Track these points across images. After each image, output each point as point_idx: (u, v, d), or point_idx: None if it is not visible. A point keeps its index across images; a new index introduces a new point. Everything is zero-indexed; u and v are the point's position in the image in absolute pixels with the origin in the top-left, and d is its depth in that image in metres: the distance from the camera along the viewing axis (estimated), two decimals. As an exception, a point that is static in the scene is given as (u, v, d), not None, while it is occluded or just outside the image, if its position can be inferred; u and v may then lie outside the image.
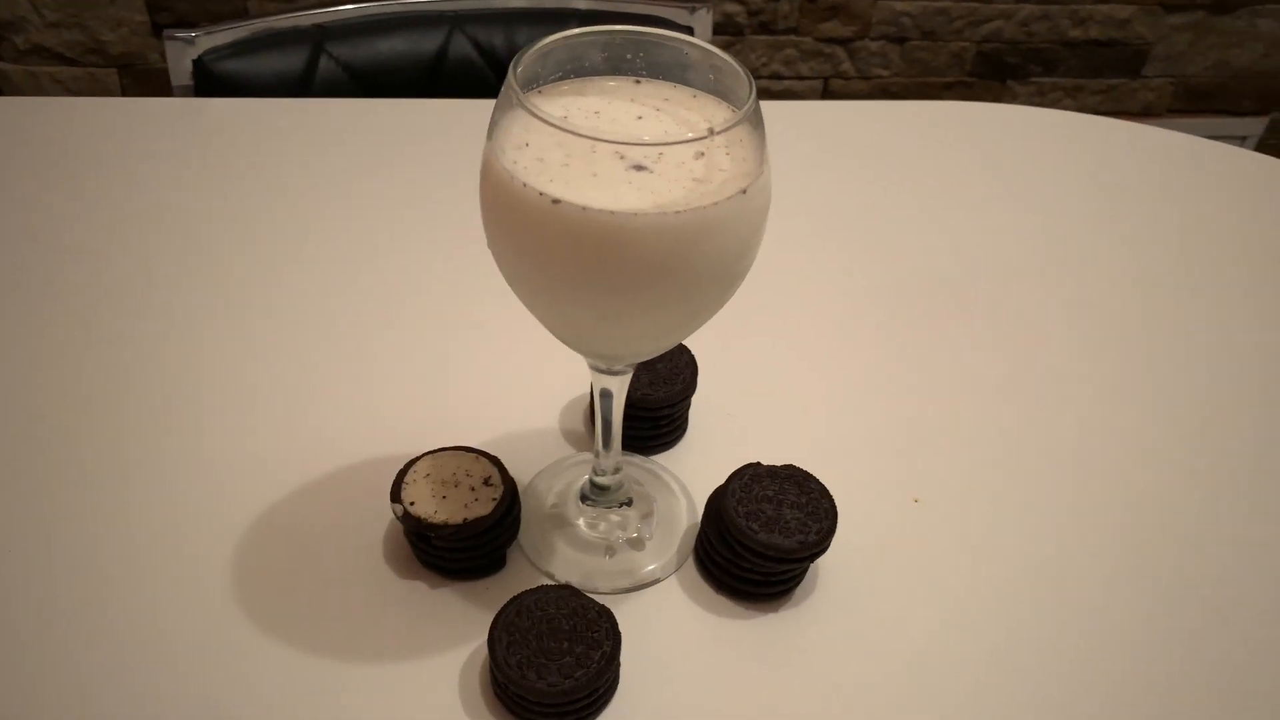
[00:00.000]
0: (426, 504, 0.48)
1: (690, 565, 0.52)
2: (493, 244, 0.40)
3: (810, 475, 0.50)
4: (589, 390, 0.60)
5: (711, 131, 0.35)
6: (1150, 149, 0.90)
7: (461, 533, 0.47)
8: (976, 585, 0.52)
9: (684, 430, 0.59)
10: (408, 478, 0.49)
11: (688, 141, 0.36)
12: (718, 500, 0.50)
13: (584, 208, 0.35)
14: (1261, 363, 0.67)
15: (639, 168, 0.36)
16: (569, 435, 0.59)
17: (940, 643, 0.49)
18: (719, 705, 0.46)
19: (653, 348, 0.44)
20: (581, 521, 0.53)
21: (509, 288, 0.41)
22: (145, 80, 1.75)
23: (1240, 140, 2.08)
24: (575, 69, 0.41)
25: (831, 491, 0.50)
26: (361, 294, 0.68)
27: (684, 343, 0.57)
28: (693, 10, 1.09)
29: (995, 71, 1.92)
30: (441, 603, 0.49)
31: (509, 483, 0.50)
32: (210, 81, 1.01)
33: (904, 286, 0.72)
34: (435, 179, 0.80)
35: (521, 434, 0.58)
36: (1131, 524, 0.55)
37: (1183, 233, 0.80)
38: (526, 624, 0.44)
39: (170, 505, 0.53)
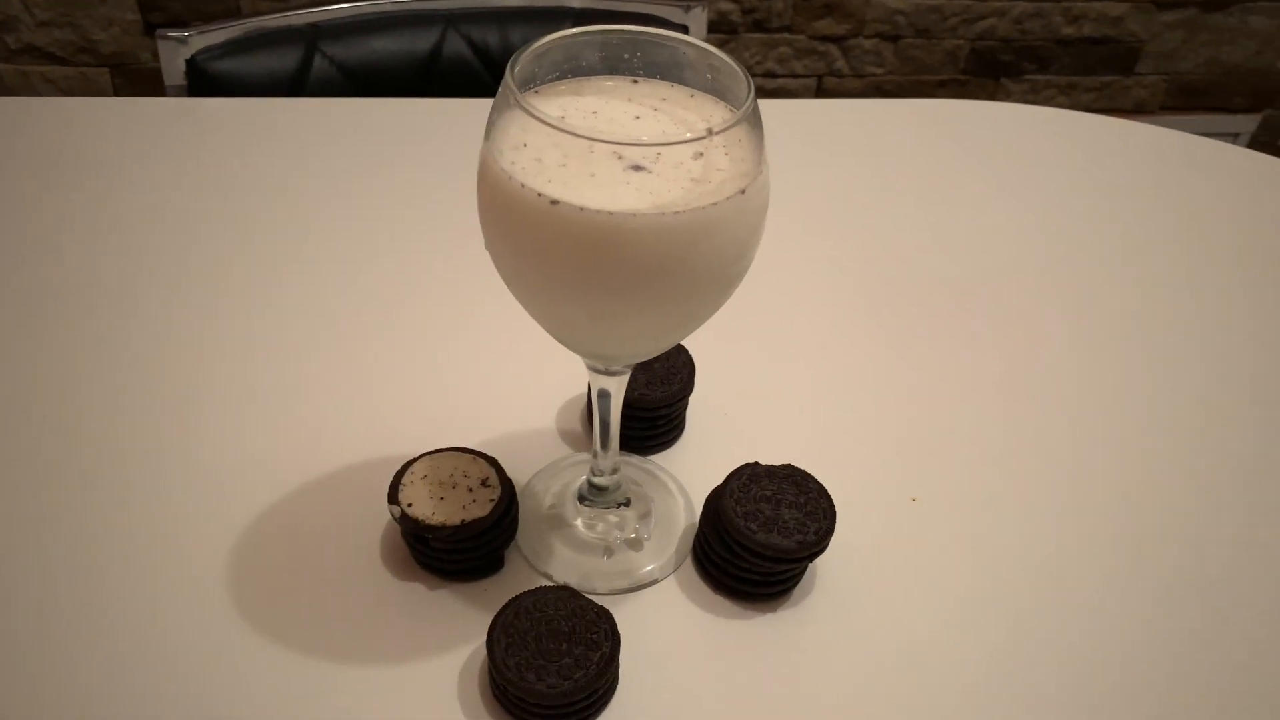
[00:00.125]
0: (424, 505, 0.48)
1: (688, 565, 0.52)
2: (490, 244, 0.40)
3: (808, 475, 0.50)
4: (586, 390, 0.60)
5: (710, 132, 0.35)
6: (1144, 146, 0.90)
7: (459, 534, 0.47)
8: (975, 584, 0.52)
9: (681, 430, 0.59)
10: (405, 479, 0.49)
11: (686, 142, 0.36)
12: (716, 500, 0.50)
13: (582, 208, 0.35)
14: (1259, 360, 0.67)
15: (637, 168, 0.36)
16: (566, 435, 0.58)
17: (939, 642, 0.49)
18: (718, 705, 0.46)
19: (651, 348, 0.44)
20: (579, 522, 0.53)
21: (505, 288, 0.41)
22: (137, 80, 1.75)
23: (1233, 137, 2.08)
24: (572, 69, 0.41)
25: (828, 491, 0.50)
26: (357, 295, 0.68)
27: (681, 342, 0.57)
28: (688, 9, 1.09)
29: (989, 69, 1.92)
30: (439, 604, 0.49)
31: (507, 483, 0.50)
32: (203, 81, 1.00)
33: (900, 285, 0.72)
34: (432, 179, 0.79)
35: (519, 434, 0.58)
36: (1129, 521, 0.55)
37: (1178, 230, 0.80)
38: (525, 625, 0.44)
39: (164, 508, 0.53)
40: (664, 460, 0.57)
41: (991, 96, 1.96)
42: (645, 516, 0.54)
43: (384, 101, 0.90)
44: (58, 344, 0.63)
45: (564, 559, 0.52)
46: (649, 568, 0.51)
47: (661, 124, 0.39)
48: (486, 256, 0.40)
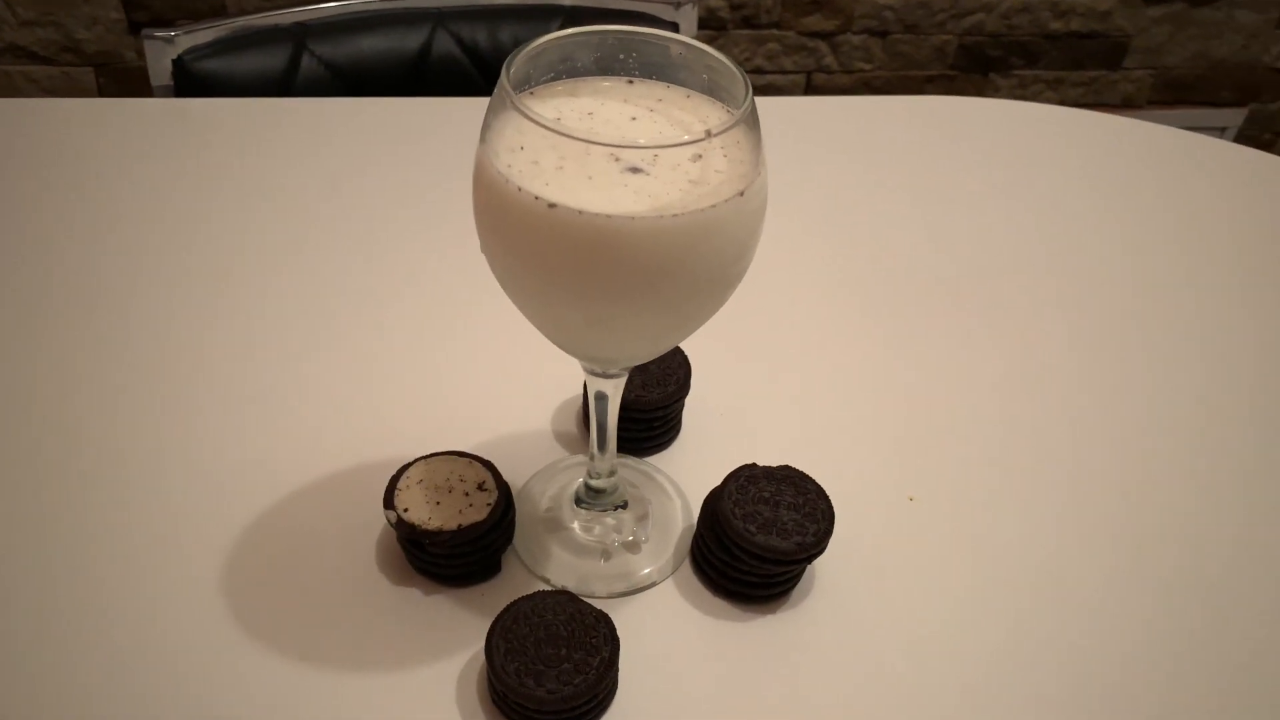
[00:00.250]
0: (420, 510, 0.47)
1: (686, 567, 0.51)
2: (486, 247, 0.40)
3: (807, 476, 0.50)
4: (582, 391, 0.59)
5: (709, 133, 0.35)
6: (1138, 143, 0.90)
7: (456, 539, 0.47)
8: (974, 584, 0.51)
9: (678, 431, 0.59)
10: (400, 484, 0.49)
11: (684, 144, 0.36)
12: (714, 502, 0.49)
13: (580, 211, 0.34)
14: (1259, 358, 0.67)
15: (634, 170, 0.35)
16: (562, 438, 0.58)
17: (938, 642, 0.49)
18: (718, 708, 0.46)
19: (649, 351, 0.44)
20: (576, 525, 0.53)
21: (498, 288, 0.41)
22: (122, 79, 1.73)
23: (1220, 131, 2.09)
24: (568, 69, 0.40)
25: (826, 491, 0.49)
26: (350, 296, 0.67)
27: (677, 343, 0.57)
28: (678, 5, 1.08)
29: (977, 64, 1.92)
30: (436, 609, 0.49)
31: (503, 487, 0.49)
32: (190, 81, 1.00)
33: (895, 283, 0.72)
34: (424, 179, 0.79)
35: (514, 437, 0.58)
36: (1129, 521, 0.55)
37: (1175, 228, 0.80)
38: (524, 631, 0.43)
39: (157, 515, 0.53)
40: (660, 462, 0.57)
41: (980, 92, 1.96)
42: (643, 519, 0.53)
43: (375, 101, 0.89)
44: (51, 346, 0.62)
45: (561, 562, 0.51)
46: (647, 570, 0.51)
47: (658, 125, 0.39)
48: (480, 257, 0.40)
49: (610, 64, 0.41)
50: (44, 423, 0.57)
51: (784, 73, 1.88)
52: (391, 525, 0.48)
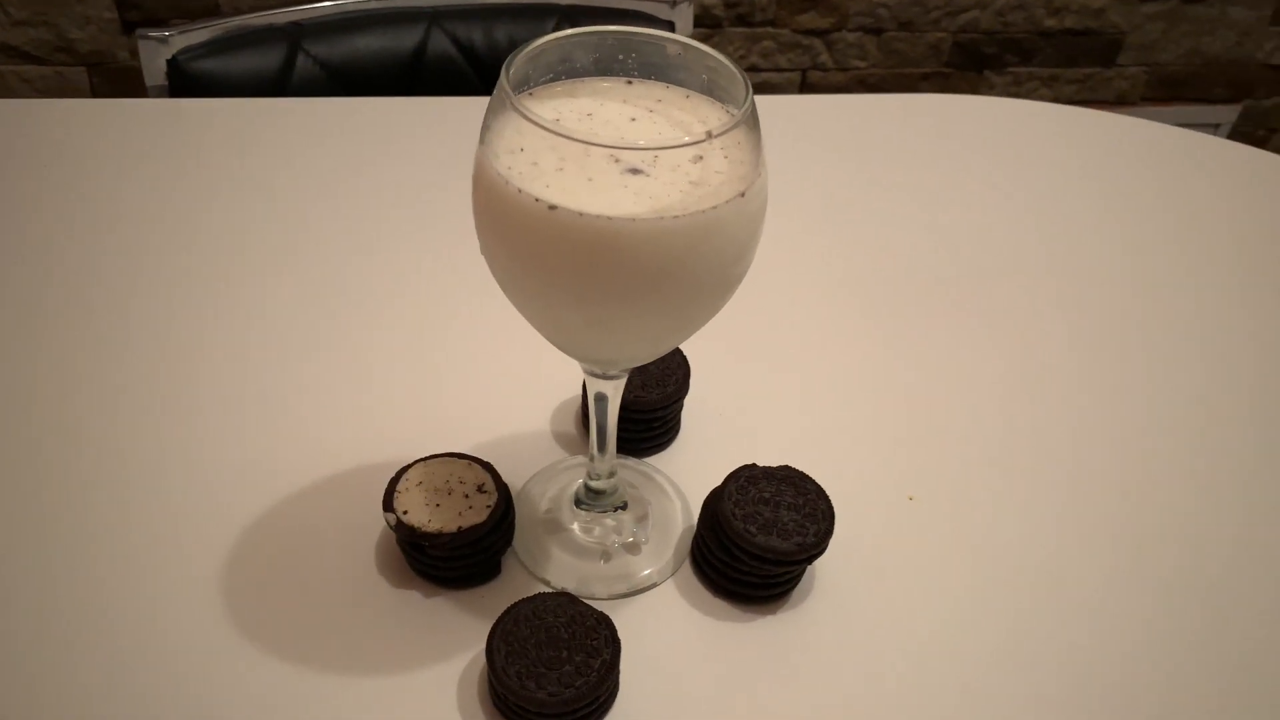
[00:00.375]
0: (419, 513, 0.47)
1: (687, 568, 0.51)
2: (485, 249, 0.39)
3: (806, 476, 0.50)
4: (581, 392, 0.59)
5: (710, 135, 0.35)
6: (1136, 141, 0.90)
7: (456, 541, 0.47)
8: (974, 584, 0.51)
9: (677, 432, 0.59)
10: (399, 486, 0.49)
11: (684, 145, 0.36)
12: (714, 503, 0.49)
13: (580, 213, 0.34)
14: (1259, 358, 0.67)
15: (635, 171, 0.35)
16: (561, 438, 0.58)
17: (938, 642, 0.49)
18: (719, 708, 0.46)
19: (650, 352, 0.44)
20: (576, 526, 0.53)
21: (497, 288, 0.41)
22: (115, 79, 1.72)
23: (1213, 128, 2.09)
24: (567, 70, 0.40)
25: (826, 492, 0.49)
26: (347, 297, 0.67)
27: (676, 343, 0.56)
28: (674, 4, 1.08)
29: (972, 62, 1.92)
30: (436, 612, 0.48)
31: (503, 489, 0.49)
32: (185, 81, 0.99)
33: (893, 282, 0.72)
34: (422, 179, 0.79)
35: (513, 438, 0.57)
36: (1129, 521, 0.55)
37: (1174, 226, 0.80)
38: (525, 633, 0.43)
39: (157, 515, 0.52)
40: (660, 462, 0.57)
41: (974, 89, 1.96)
42: (642, 519, 0.53)
43: (372, 101, 0.89)
44: (48, 347, 0.62)
45: (562, 564, 0.51)
46: (647, 571, 0.51)
47: (657, 125, 0.39)
48: (478, 257, 0.40)
49: (609, 64, 0.40)
50: (43, 423, 0.57)
51: (779, 70, 1.88)
52: (391, 528, 0.47)
